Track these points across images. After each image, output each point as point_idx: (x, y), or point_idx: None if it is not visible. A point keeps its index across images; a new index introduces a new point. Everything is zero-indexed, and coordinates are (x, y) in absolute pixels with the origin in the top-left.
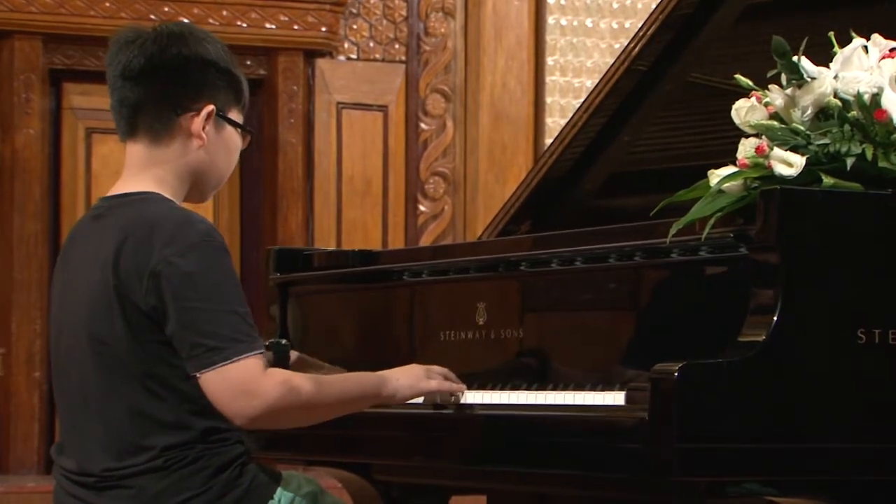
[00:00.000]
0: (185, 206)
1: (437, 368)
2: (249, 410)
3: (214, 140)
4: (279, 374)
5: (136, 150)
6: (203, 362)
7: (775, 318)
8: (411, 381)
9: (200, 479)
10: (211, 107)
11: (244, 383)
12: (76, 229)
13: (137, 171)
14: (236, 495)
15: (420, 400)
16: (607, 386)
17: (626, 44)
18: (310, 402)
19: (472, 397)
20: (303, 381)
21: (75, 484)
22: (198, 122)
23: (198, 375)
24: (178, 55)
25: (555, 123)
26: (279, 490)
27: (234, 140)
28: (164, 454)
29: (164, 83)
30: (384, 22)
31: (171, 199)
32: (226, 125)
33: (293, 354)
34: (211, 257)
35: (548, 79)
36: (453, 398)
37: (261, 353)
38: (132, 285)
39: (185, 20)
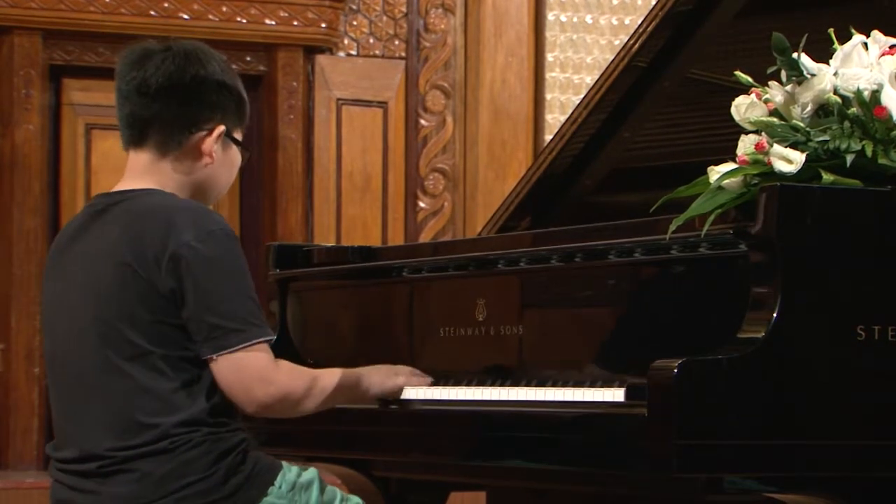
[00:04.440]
0: None
1: (403, 368)
2: (264, 397)
3: (221, 159)
4: (289, 364)
5: (141, 158)
6: (221, 344)
7: (774, 315)
8: (381, 378)
9: (204, 463)
10: (222, 127)
11: (260, 370)
12: (73, 224)
13: (140, 175)
14: (239, 480)
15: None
16: (607, 382)
17: (625, 40)
18: (312, 391)
19: (472, 394)
20: (309, 371)
21: (76, 475)
22: (209, 142)
23: (213, 358)
24: (196, 75)
25: (554, 120)
26: (280, 476)
27: (236, 158)
28: (168, 436)
29: (181, 102)
30: (384, 18)
31: None
32: (232, 145)
33: None
34: (228, 245)
35: (547, 75)
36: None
37: (272, 339)
38: (151, 269)
39: (185, 16)
